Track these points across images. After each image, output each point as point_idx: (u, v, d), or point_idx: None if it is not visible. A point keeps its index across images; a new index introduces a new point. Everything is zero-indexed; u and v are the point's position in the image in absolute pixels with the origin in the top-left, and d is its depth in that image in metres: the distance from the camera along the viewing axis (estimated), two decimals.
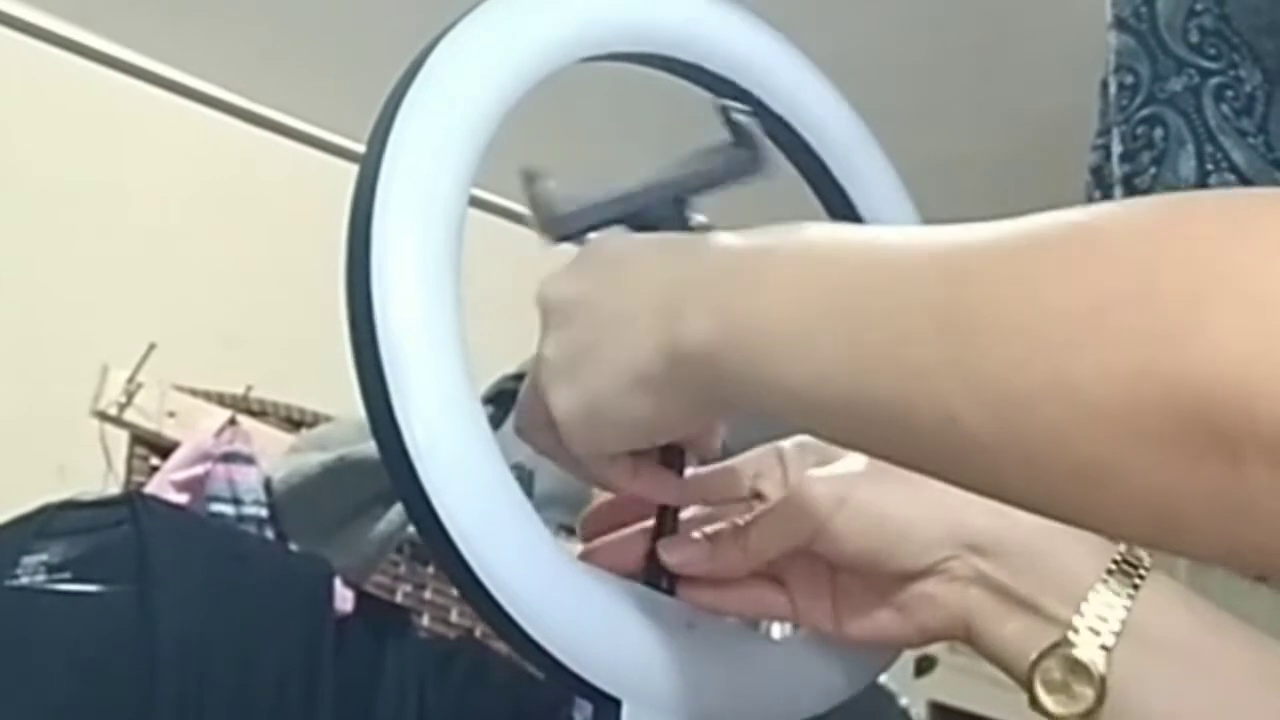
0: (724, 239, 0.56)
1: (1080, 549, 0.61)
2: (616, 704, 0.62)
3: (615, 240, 0.63)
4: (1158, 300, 0.39)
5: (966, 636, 0.64)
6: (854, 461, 0.65)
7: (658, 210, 0.67)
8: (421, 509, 0.58)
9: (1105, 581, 0.59)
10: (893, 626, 0.65)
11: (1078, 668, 0.58)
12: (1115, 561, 0.60)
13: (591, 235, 0.67)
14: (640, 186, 0.68)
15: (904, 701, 1.87)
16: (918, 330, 0.44)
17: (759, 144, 0.68)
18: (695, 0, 0.71)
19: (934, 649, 2.10)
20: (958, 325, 0.43)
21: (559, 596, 0.61)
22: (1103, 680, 0.58)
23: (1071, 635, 0.59)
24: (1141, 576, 0.60)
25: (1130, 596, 0.59)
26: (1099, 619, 0.59)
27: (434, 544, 0.59)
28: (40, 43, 2.43)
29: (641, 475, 0.64)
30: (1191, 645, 0.59)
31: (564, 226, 0.67)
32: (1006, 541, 0.62)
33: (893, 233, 0.49)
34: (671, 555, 0.65)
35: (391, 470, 0.59)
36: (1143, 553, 0.61)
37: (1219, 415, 0.38)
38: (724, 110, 0.69)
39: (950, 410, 0.43)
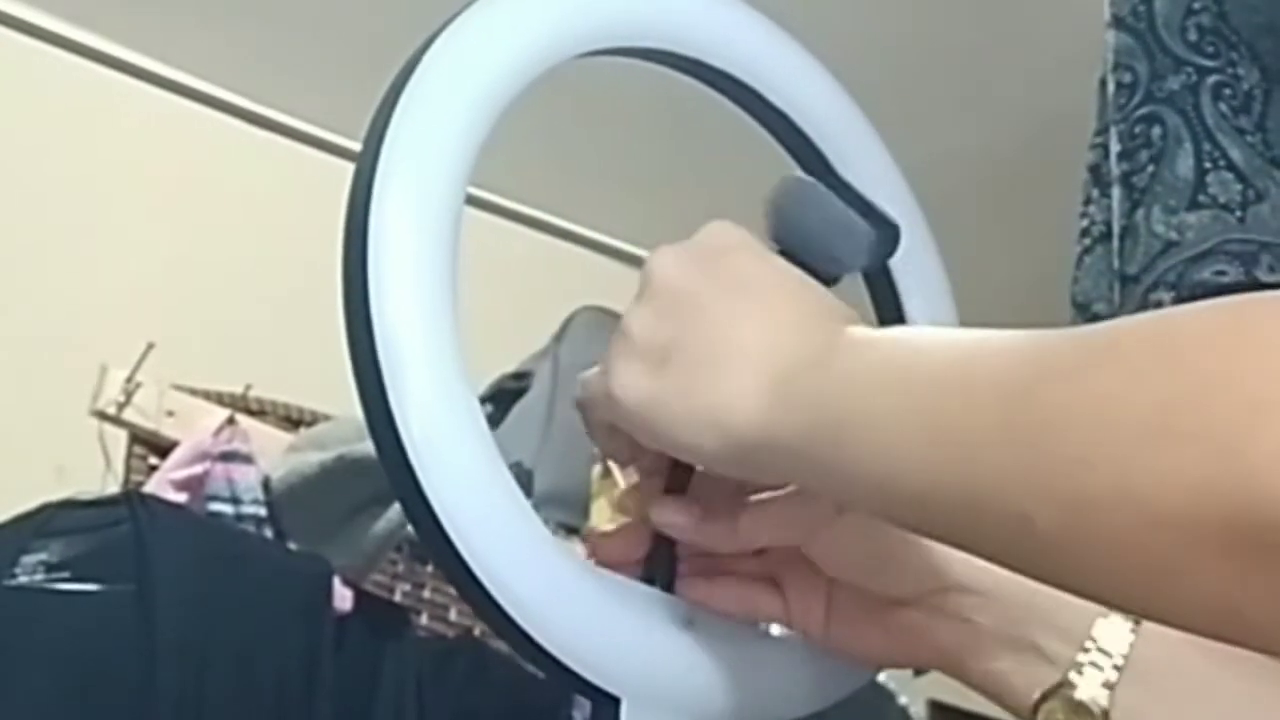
0: (840, 315, 0.57)
1: None
2: (615, 702, 0.61)
3: (750, 251, 0.61)
4: (1218, 408, 0.40)
5: (958, 673, 0.63)
6: None
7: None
8: (419, 508, 0.58)
9: (1105, 616, 0.59)
10: (880, 647, 0.65)
11: (1081, 709, 0.58)
12: None
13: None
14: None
15: (903, 700, 1.87)
16: (992, 433, 0.46)
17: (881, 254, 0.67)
18: None
19: None
20: (1030, 428, 0.44)
21: (557, 594, 0.60)
22: (1106, 715, 0.57)
23: (1074, 676, 0.58)
24: None
25: (1134, 631, 0.59)
26: (1103, 655, 0.58)
27: (431, 543, 0.59)
28: (39, 42, 2.43)
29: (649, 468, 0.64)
30: (1195, 674, 0.59)
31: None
32: (1002, 583, 0.61)
33: (969, 335, 0.50)
34: (661, 513, 0.64)
35: (388, 469, 0.59)
36: None
37: (1267, 522, 0.38)
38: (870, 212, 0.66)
39: (1022, 510, 0.44)
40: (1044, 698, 0.59)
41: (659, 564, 0.65)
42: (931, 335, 0.52)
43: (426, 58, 0.63)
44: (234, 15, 2.42)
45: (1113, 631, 0.59)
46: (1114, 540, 0.42)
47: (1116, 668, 0.58)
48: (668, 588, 0.65)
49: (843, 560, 0.63)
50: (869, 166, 0.76)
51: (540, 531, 0.61)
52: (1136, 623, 0.59)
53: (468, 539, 0.59)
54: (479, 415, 0.61)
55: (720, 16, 0.72)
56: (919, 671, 2.15)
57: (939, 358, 0.50)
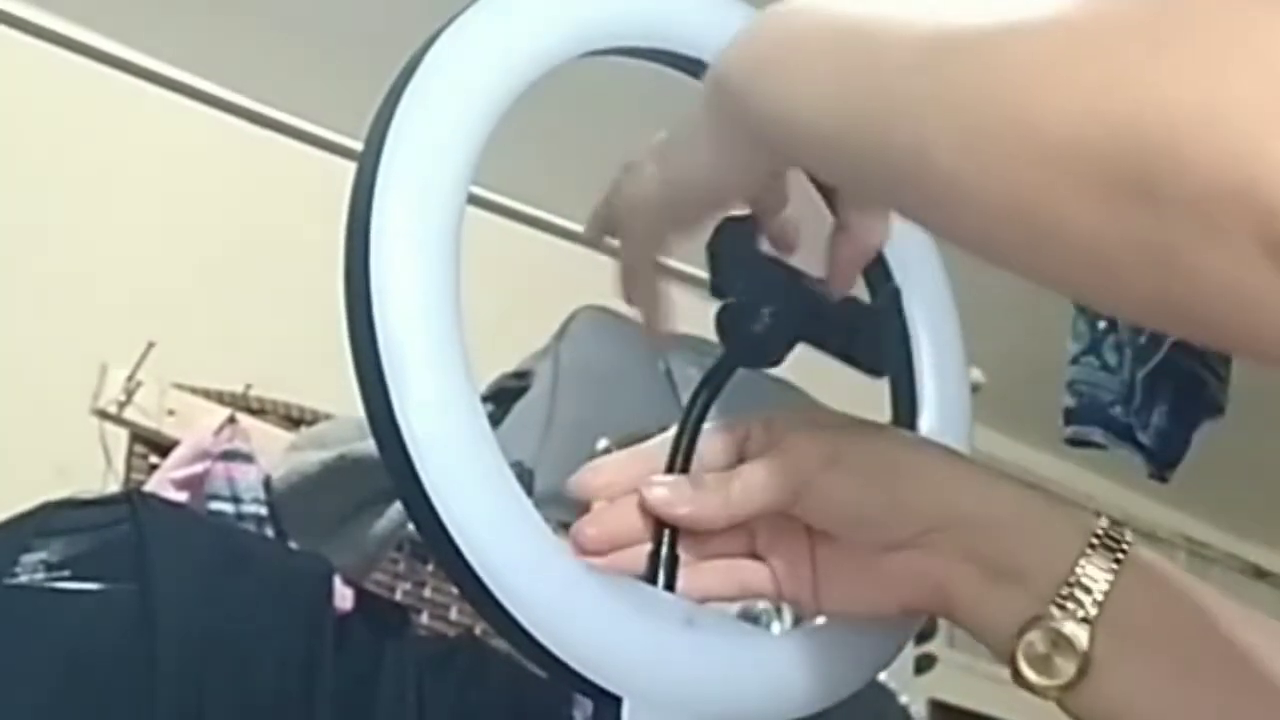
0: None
1: (1064, 526, 0.60)
2: (617, 701, 0.61)
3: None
4: (1124, 46, 0.41)
5: (946, 610, 0.63)
6: (845, 424, 0.65)
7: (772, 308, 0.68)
8: (420, 506, 0.58)
9: (1088, 555, 0.59)
10: (871, 599, 0.65)
11: (1060, 640, 0.58)
12: (1097, 536, 0.60)
13: None
14: (783, 276, 0.69)
15: (904, 699, 1.87)
16: (903, 63, 0.47)
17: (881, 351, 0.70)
18: None
19: (933, 647, 2.10)
20: (941, 57, 0.46)
21: (558, 593, 0.60)
22: (1085, 654, 0.58)
23: (1054, 609, 0.59)
24: (1124, 552, 0.60)
25: (1113, 571, 0.59)
26: (1082, 591, 0.59)
27: (433, 541, 0.59)
28: (40, 41, 2.43)
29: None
30: (1173, 620, 0.59)
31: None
32: (993, 516, 0.61)
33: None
34: (653, 492, 0.64)
35: (390, 467, 0.59)
36: (1125, 529, 0.61)
37: (1148, 159, 0.39)
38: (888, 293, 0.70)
39: (922, 140, 0.46)
40: (1024, 629, 0.59)
41: (659, 563, 0.65)
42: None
43: (429, 56, 0.63)
44: (234, 14, 2.43)
45: (1094, 570, 0.59)
46: (1002, 174, 0.43)
47: (1096, 603, 0.58)
48: (669, 587, 0.65)
49: (835, 512, 0.64)
50: None
51: (542, 531, 0.61)
52: (1117, 563, 0.59)
53: (470, 538, 0.59)
54: (481, 414, 0.61)
55: (730, 19, 0.72)
56: (920, 670, 2.15)
57: (855, 10, 0.52)
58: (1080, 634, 0.58)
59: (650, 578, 0.65)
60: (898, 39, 0.48)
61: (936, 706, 2.64)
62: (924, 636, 1.94)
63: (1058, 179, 0.41)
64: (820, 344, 0.69)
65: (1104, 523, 0.61)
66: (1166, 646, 0.59)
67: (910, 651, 1.95)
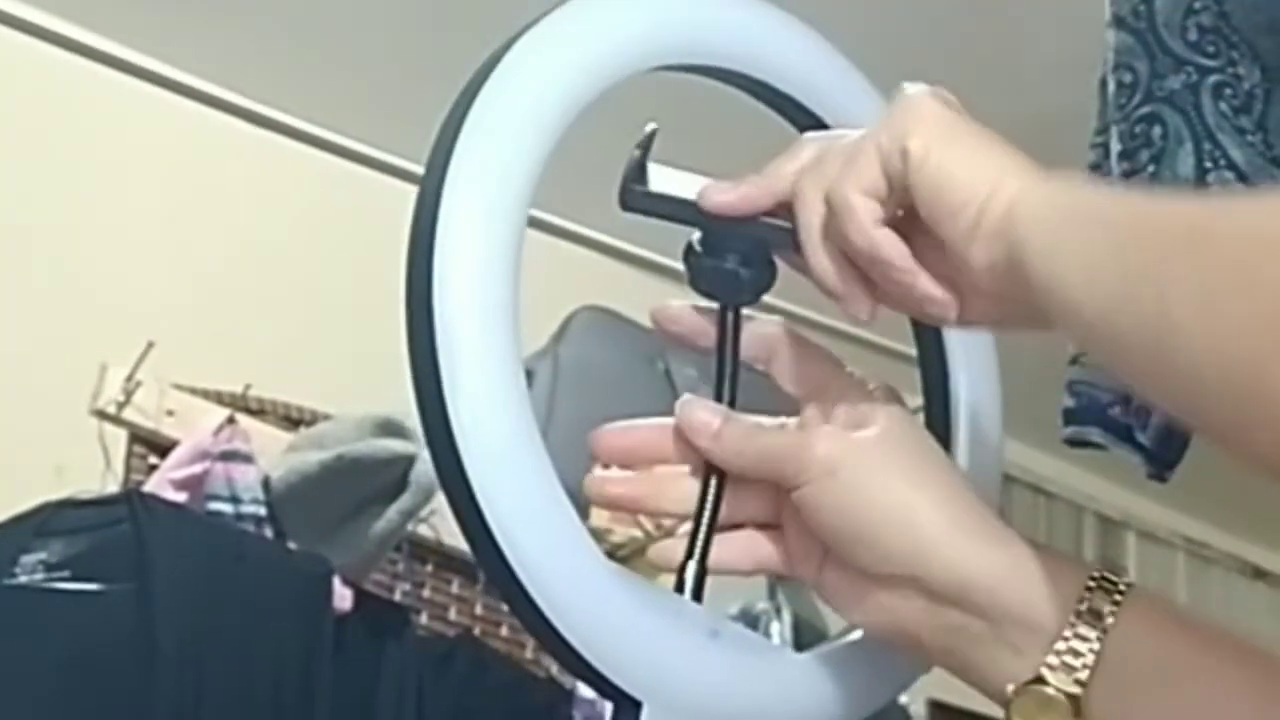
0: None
1: (1055, 585, 0.60)
2: (637, 705, 0.62)
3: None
4: None
5: (925, 655, 0.64)
6: (873, 441, 0.64)
7: (728, 238, 0.68)
8: (463, 497, 0.59)
9: (1080, 614, 0.59)
10: (858, 614, 0.65)
11: (1054, 703, 0.58)
12: (1089, 590, 0.59)
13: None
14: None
15: (903, 699, 1.87)
16: (1159, 236, 0.52)
17: None
18: (759, 13, 0.72)
19: None
20: (1194, 232, 0.51)
21: (588, 594, 0.61)
22: (1080, 716, 0.58)
23: (1046, 673, 0.58)
24: (1117, 603, 0.59)
25: (1103, 630, 0.58)
26: (1073, 655, 0.58)
27: (471, 533, 0.60)
28: (40, 42, 2.43)
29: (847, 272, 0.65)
30: (1175, 669, 0.59)
31: (633, 201, 0.68)
32: (970, 588, 0.61)
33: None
34: (687, 408, 0.66)
35: (436, 457, 0.60)
36: (1121, 575, 0.60)
37: None
38: None
39: (1166, 304, 0.50)
40: (1017, 692, 0.59)
41: (689, 573, 0.66)
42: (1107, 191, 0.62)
43: (495, 73, 0.64)
44: (234, 14, 2.42)
45: (1085, 630, 0.59)
46: (1232, 332, 0.48)
47: (1088, 666, 0.58)
48: (696, 597, 0.65)
49: (812, 521, 0.64)
50: None
51: (579, 530, 0.62)
52: (1113, 614, 0.59)
53: (507, 530, 0.59)
54: (530, 416, 0.61)
55: (790, 41, 0.72)
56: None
57: (1122, 199, 0.59)
58: (1074, 695, 0.58)
59: (679, 587, 0.65)
60: (1157, 228, 0.53)
61: (936, 707, 2.65)
62: None
63: None
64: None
65: (1095, 573, 0.60)
66: (1168, 696, 0.59)
67: None
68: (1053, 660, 0.59)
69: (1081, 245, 0.57)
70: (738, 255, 0.68)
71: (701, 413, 0.66)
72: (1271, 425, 0.46)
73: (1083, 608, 0.59)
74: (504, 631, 1.80)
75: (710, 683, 0.64)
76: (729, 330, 0.68)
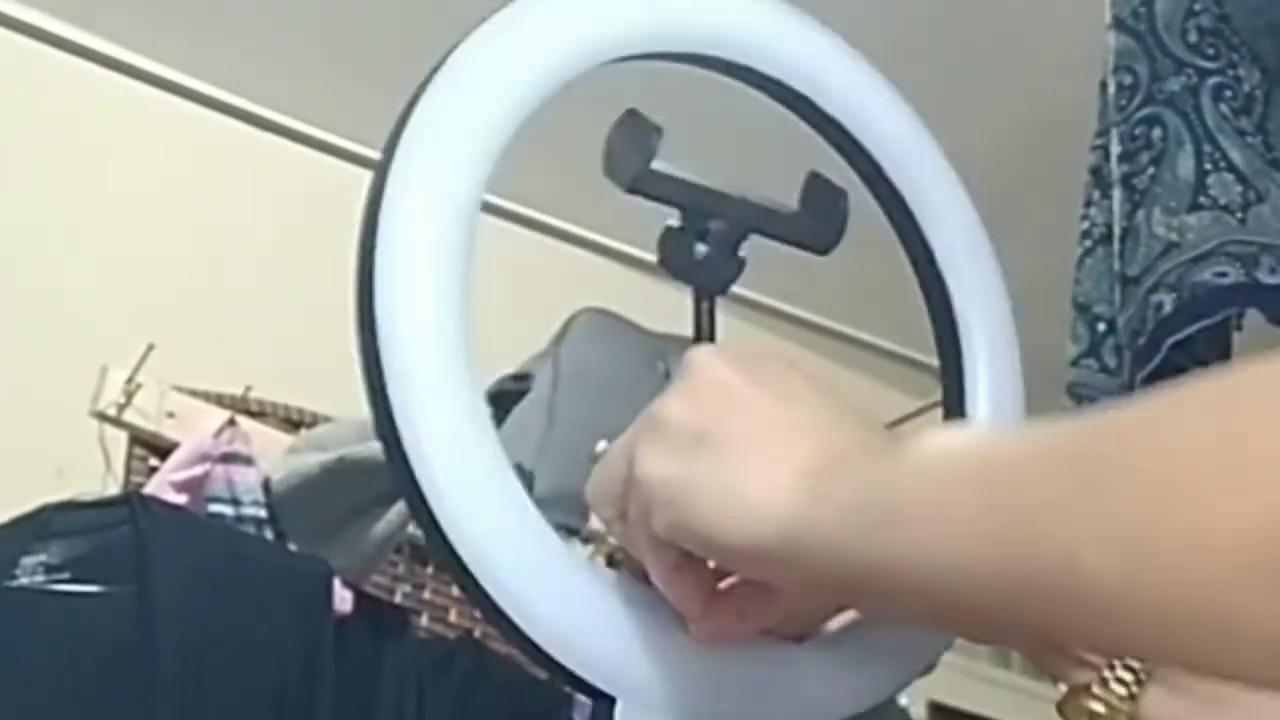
0: (880, 432, 0.57)
1: None
2: (611, 701, 0.62)
3: (792, 366, 0.60)
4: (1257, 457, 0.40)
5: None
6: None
7: (715, 224, 0.68)
8: (420, 505, 0.59)
9: None
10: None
11: (1110, 712, 0.58)
12: None
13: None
14: (716, 193, 0.69)
15: (903, 701, 1.87)
16: (1047, 479, 0.45)
17: (839, 226, 0.71)
18: (747, 5, 0.71)
19: None
20: (1087, 473, 0.44)
21: (553, 592, 0.61)
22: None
23: (1096, 688, 0.58)
24: None
25: None
26: (1125, 669, 0.58)
27: (432, 539, 0.59)
28: (39, 43, 2.43)
29: (679, 574, 0.61)
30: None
31: (627, 180, 0.68)
32: None
33: (1018, 429, 0.50)
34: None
35: (393, 467, 0.59)
36: None
37: None
38: (816, 180, 0.71)
39: (1079, 564, 0.43)
40: (1068, 698, 0.59)
41: None
42: (972, 432, 0.53)
43: (450, 60, 0.63)
44: (235, 17, 2.43)
45: None
46: (1173, 584, 0.42)
47: (1140, 681, 0.58)
48: None
49: (793, 598, 0.63)
50: (926, 174, 0.76)
51: (542, 531, 0.61)
52: None
53: (465, 537, 0.59)
54: (485, 415, 0.61)
55: (771, 22, 0.72)
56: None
57: (988, 442, 0.50)
58: (1124, 706, 0.58)
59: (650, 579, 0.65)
60: (1041, 472, 0.46)
61: (936, 708, 2.64)
62: None
63: (1240, 578, 0.40)
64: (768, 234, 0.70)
65: None
66: (1220, 706, 0.58)
67: None
68: (1106, 674, 0.59)
69: (946, 505, 0.49)
70: (713, 244, 0.69)
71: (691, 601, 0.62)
72: (1265, 658, 0.42)
73: None
74: None
75: (684, 675, 0.63)
76: (704, 319, 0.69)
